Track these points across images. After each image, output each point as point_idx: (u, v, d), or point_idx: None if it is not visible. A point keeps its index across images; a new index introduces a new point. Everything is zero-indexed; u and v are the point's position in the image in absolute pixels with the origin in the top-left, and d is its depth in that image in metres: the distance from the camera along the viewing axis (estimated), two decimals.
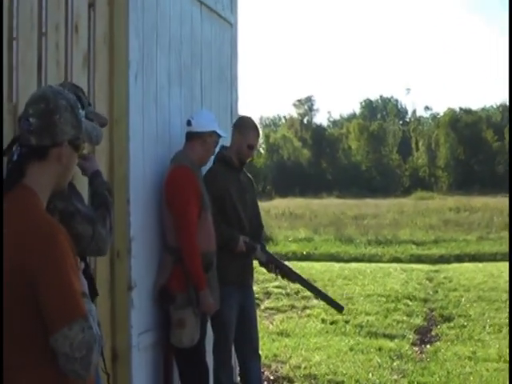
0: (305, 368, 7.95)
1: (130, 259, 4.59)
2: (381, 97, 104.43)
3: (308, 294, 10.20)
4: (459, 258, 18.42)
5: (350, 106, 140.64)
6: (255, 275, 6.13)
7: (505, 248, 19.10)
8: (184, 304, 4.89)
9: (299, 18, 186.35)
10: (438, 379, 7.48)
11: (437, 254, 19.10)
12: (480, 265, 16.98)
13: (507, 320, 10.14)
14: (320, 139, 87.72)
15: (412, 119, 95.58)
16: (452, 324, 10.23)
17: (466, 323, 10.16)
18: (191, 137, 5.20)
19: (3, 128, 3.19)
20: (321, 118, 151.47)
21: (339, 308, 6.03)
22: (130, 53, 4.61)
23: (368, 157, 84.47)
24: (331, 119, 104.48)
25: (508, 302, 10.99)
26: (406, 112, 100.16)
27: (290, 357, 8.45)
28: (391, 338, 9.42)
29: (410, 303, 11.86)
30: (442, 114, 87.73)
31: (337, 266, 16.94)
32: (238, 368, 6.01)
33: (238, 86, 6.93)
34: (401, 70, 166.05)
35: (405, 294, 12.58)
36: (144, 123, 4.85)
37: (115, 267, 4.54)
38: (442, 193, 61.10)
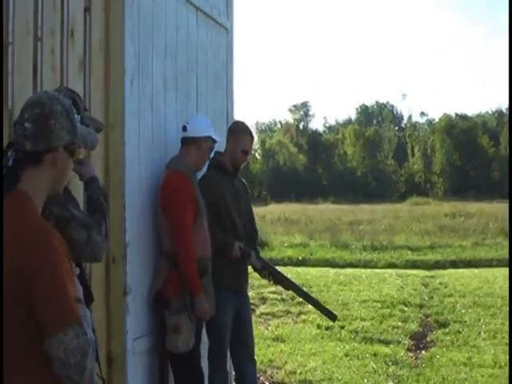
0: (300, 373, 7.95)
1: (126, 264, 4.58)
2: (376, 102, 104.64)
3: None
4: (454, 264, 18.42)
5: (346, 111, 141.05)
6: (251, 280, 6.14)
7: (500, 254, 19.12)
8: (179, 309, 4.88)
9: (295, 24, 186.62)
10: None
11: (432, 259, 19.09)
12: (475, 271, 16.98)
13: (502, 326, 10.16)
14: (316, 145, 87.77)
15: (407, 125, 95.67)
16: (447, 330, 10.23)
17: (461, 329, 10.17)
18: (187, 142, 5.20)
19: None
20: (316, 124, 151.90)
21: (332, 316, 6.03)
22: (125, 58, 4.61)
23: (363, 162, 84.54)
24: (327, 125, 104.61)
25: (508, 308, 11.00)
26: (402, 118, 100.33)
27: (286, 362, 8.45)
28: (386, 343, 9.42)
29: (406, 309, 11.87)
30: (437, 119, 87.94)
31: (332, 271, 16.94)
32: (233, 373, 6.01)
33: (234, 92, 6.94)
34: (396, 75, 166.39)
35: (400, 300, 12.58)
36: (140, 128, 4.85)
37: (111, 272, 4.54)
38: (438, 198, 61.15)
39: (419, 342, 9.70)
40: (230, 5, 6.81)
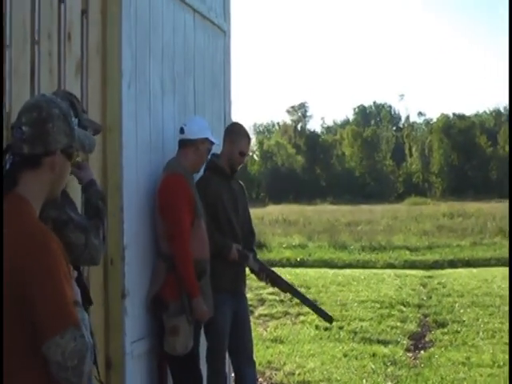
0: (299, 374, 7.96)
1: (124, 267, 4.58)
2: (374, 103, 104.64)
3: None
4: (453, 264, 18.44)
5: (344, 112, 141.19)
6: (249, 282, 6.14)
7: (499, 253, 19.16)
8: (177, 312, 4.88)
9: (293, 25, 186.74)
10: None
11: (431, 259, 19.11)
12: (474, 270, 17.00)
13: (501, 325, 10.18)
14: (314, 145, 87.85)
15: (405, 125, 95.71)
16: (446, 330, 10.25)
17: (459, 329, 10.18)
18: (184, 144, 5.20)
19: None
20: (314, 125, 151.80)
21: (328, 319, 6.03)
22: (122, 61, 4.60)
23: (362, 163, 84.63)
24: (325, 125, 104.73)
25: (507, 307, 11.00)
26: (400, 118, 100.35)
27: (284, 363, 8.46)
28: (385, 343, 9.43)
29: (404, 309, 11.88)
30: (435, 119, 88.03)
31: (331, 272, 16.95)
32: (232, 375, 6.01)
33: (232, 93, 6.95)
34: (394, 75, 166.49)
35: (399, 300, 12.60)
36: (137, 131, 4.86)
37: (109, 275, 4.54)
38: (436, 198, 61.25)
39: (418, 342, 9.71)
40: (228, 7, 6.82)
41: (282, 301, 12.31)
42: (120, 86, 4.59)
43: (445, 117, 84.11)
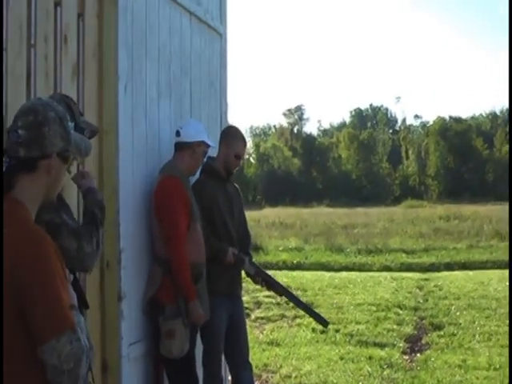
0: (295, 377, 7.96)
1: (120, 270, 4.58)
2: (371, 105, 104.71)
3: None
4: (449, 267, 18.45)
5: (340, 114, 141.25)
6: (245, 285, 6.15)
7: (495, 256, 19.19)
8: (173, 315, 4.88)
9: (289, 28, 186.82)
10: None
11: (427, 262, 19.12)
12: (470, 273, 17.01)
13: (497, 328, 10.19)
14: (310, 148, 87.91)
15: (402, 128, 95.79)
16: (442, 332, 10.25)
17: (456, 331, 10.18)
18: (180, 147, 5.20)
19: None
20: (311, 127, 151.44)
21: (324, 323, 6.04)
22: (119, 64, 4.61)
23: (358, 166, 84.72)
24: (321, 128, 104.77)
25: (504, 310, 11.02)
26: (396, 121, 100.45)
27: (281, 366, 8.46)
28: (381, 346, 9.43)
29: (401, 312, 11.88)
30: (431, 122, 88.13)
31: (327, 275, 16.95)
32: (229, 378, 6.01)
33: (228, 96, 6.96)
34: (390, 78, 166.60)
35: (395, 303, 12.60)
36: (133, 134, 4.86)
37: (105, 278, 4.54)
38: (432, 201, 61.31)
39: (414, 344, 9.72)
40: (224, 9, 6.83)
41: (278, 304, 12.31)
42: (116, 89, 4.59)
43: (441, 119, 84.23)
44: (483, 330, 10.19)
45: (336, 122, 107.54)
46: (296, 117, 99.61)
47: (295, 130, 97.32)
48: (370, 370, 8.17)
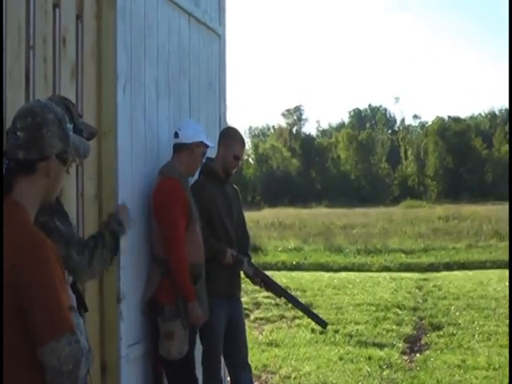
0: (295, 378, 7.96)
1: (119, 271, 4.58)
2: (369, 106, 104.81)
3: None
4: (448, 267, 18.45)
5: (339, 115, 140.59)
6: (244, 286, 6.15)
7: (494, 256, 19.19)
8: (172, 316, 4.88)
9: (288, 28, 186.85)
10: None
11: (426, 262, 19.12)
12: (469, 273, 17.01)
13: (497, 328, 10.19)
14: (309, 149, 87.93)
15: (400, 128, 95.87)
16: (441, 332, 10.25)
17: (455, 331, 10.19)
18: (179, 148, 5.21)
19: None
20: (310, 128, 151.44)
21: (323, 324, 6.04)
22: (117, 65, 4.61)
23: (357, 166, 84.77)
24: (320, 129, 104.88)
25: (504, 310, 11.02)
26: (395, 121, 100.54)
27: (280, 367, 8.46)
28: (381, 347, 9.43)
29: (400, 312, 11.88)
30: (430, 122, 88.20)
31: (326, 275, 16.94)
32: (228, 379, 6.01)
33: (227, 97, 6.96)
34: (389, 78, 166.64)
35: (394, 303, 12.60)
36: (132, 135, 4.86)
37: (104, 279, 4.54)
38: (431, 201, 61.33)
39: (413, 345, 9.72)
40: (223, 10, 6.83)
41: (277, 304, 12.30)
42: (115, 91, 4.60)
43: (440, 119, 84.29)
44: (482, 329, 10.19)
45: (335, 122, 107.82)
46: (295, 117, 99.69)
47: (294, 131, 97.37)
48: (369, 370, 8.18)
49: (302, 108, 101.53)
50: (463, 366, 8.23)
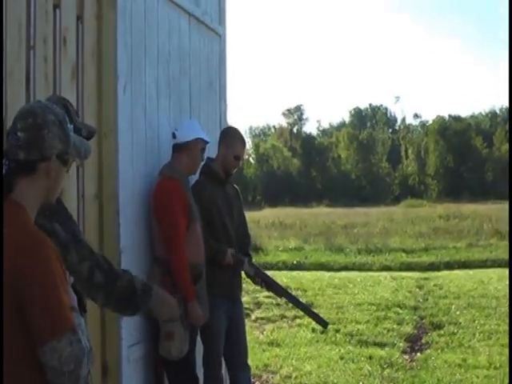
0: (295, 378, 7.96)
1: None
2: (370, 105, 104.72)
3: None
4: (449, 266, 18.46)
5: (340, 114, 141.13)
6: (245, 285, 6.14)
7: (495, 255, 19.20)
8: None
9: (288, 28, 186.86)
10: None
11: (427, 261, 19.12)
12: (470, 272, 17.02)
13: (497, 327, 10.19)
14: (310, 148, 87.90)
15: (401, 127, 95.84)
16: (442, 331, 10.25)
17: (456, 330, 10.18)
18: (178, 148, 5.21)
19: None
20: (310, 127, 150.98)
21: (324, 324, 6.04)
22: (118, 65, 4.62)
23: (358, 165, 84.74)
24: (321, 128, 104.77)
25: (504, 309, 11.02)
26: (395, 120, 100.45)
27: (281, 367, 8.46)
28: (381, 346, 9.42)
29: (400, 311, 11.88)
30: (430, 121, 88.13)
31: (327, 275, 16.95)
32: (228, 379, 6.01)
33: (227, 97, 6.96)
34: (390, 78, 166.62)
35: (395, 302, 12.60)
36: (133, 135, 4.86)
37: None
38: (432, 200, 61.30)
39: (414, 344, 9.72)
40: (223, 10, 6.83)
41: (278, 304, 12.30)
42: (115, 91, 4.60)
43: (440, 118, 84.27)
44: (483, 328, 10.19)
45: (335, 121, 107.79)
46: (295, 117, 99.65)
47: (294, 130, 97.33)
48: (370, 369, 8.17)
49: (302, 107, 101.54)
50: (464, 365, 8.23)
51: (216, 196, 5.52)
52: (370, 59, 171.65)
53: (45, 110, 2.53)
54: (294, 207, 52.11)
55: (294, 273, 17.24)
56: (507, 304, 10.59)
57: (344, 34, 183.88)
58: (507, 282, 12.79)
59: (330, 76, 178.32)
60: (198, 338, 5.35)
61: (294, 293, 10.45)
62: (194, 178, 5.55)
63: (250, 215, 6.11)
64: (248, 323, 9.06)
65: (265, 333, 10.51)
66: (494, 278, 15.13)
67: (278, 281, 6.12)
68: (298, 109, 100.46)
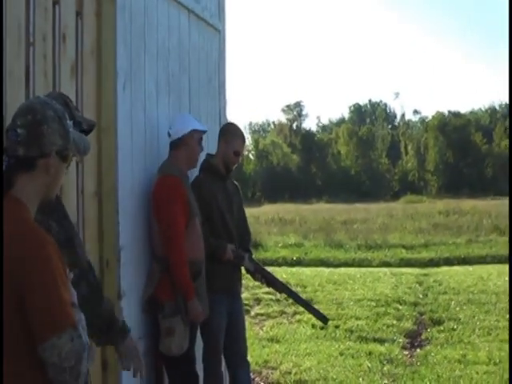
0: (295, 374, 7.96)
1: (120, 268, 4.58)
2: (370, 101, 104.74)
3: None
4: (449, 262, 18.47)
5: (339, 110, 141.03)
6: (245, 282, 6.14)
7: (494, 251, 19.20)
8: (172, 312, 4.88)
9: (288, 24, 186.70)
10: (428, 383, 7.51)
11: (426, 257, 19.12)
12: (470, 268, 17.01)
13: (497, 323, 10.19)
14: (309, 144, 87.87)
15: (401, 123, 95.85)
16: (442, 327, 10.25)
17: (455, 326, 10.18)
18: (174, 145, 5.19)
19: None
20: (310, 123, 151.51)
21: (324, 319, 6.04)
22: (117, 62, 4.61)
23: (357, 161, 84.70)
24: (320, 124, 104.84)
25: (504, 305, 11.03)
26: (395, 116, 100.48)
27: (281, 363, 8.46)
28: (381, 342, 9.43)
29: (400, 307, 11.88)
30: (430, 117, 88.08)
31: (327, 271, 16.95)
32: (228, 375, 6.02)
33: (227, 93, 6.96)
34: (389, 74, 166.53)
35: (395, 298, 12.60)
36: (132, 132, 4.86)
37: (105, 276, 4.54)
38: (432, 196, 61.35)
39: (414, 340, 9.73)
40: (222, 6, 6.83)
41: (278, 300, 12.31)
42: (115, 87, 4.60)
43: (440, 114, 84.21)
44: (483, 324, 10.20)
45: (335, 117, 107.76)
46: (295, 113, 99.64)
47: (294, 126, 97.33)
48: (370, 365, 8.18)
49: (302, 104, 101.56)
50: (464, 361, 8.23)
51: (216, 192, 5.52)
52: (369, 55, 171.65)
53: (44, 106, 2.53)
54: (294, 203, 52.14)
55: (294, 269, 17.24)
56: (507, 300, 10.60)
57: (344, 30, 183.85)
58: (507, 278, 12.81)
59: (329, 72, 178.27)
60: (198, 334, 5.36)
61: (293, 289, 10.45)
62: (193, 175, 5.55)
63: (249, 211, 6.11)
64: (248, 319, 9.06)
65: (264, 329, 10.52)
66: (493, 274, 15.12)
67: (278, 277, 6.13)
68: (298, 105, 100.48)
